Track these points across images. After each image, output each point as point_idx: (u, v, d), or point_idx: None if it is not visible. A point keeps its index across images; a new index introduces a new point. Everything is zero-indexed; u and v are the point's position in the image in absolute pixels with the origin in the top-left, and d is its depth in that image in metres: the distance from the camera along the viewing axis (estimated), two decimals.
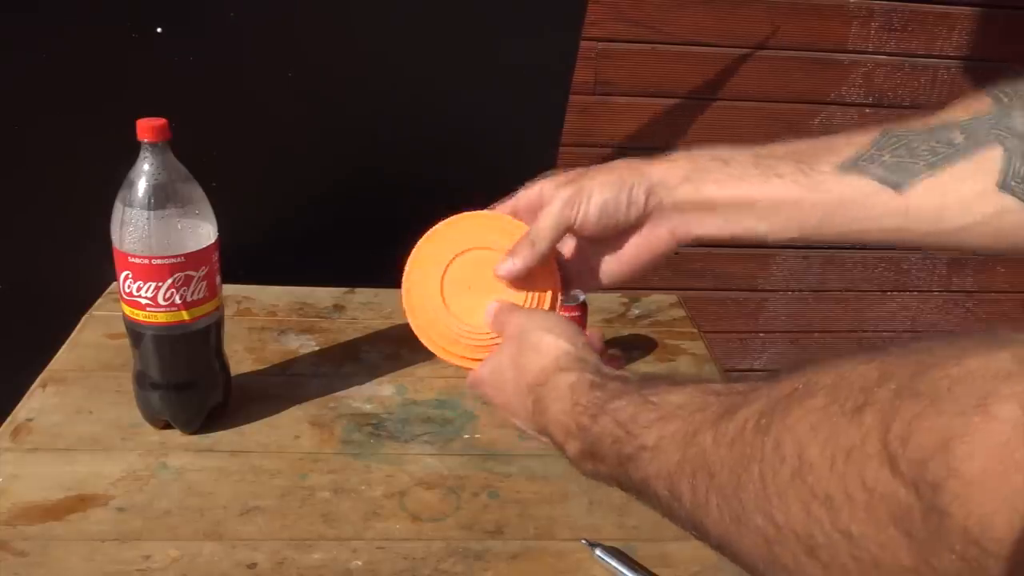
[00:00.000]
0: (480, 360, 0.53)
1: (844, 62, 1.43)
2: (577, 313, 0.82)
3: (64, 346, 0.86)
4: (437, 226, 0.55)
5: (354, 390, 0.82)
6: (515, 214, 0.55)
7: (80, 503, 0.66)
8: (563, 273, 0.55)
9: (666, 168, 0.51)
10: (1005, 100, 0.44)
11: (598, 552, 0.64)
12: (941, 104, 0.46)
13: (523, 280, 0.53)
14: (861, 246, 0.49)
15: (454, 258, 0.53)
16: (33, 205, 1.00)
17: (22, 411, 0.75)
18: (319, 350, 0.88)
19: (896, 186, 0.44)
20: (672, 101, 1.41)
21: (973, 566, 0.23)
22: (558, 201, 0.51)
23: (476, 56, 1.01)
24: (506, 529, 0.66)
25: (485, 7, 0.99)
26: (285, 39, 0.97)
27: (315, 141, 1.04)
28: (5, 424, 0.74)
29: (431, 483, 0.71)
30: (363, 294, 1.00)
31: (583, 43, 1.09)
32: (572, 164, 1.52)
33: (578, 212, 0.51)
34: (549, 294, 0.53)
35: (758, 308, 1.62)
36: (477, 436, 0.77)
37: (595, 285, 0.55)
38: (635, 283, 0.56)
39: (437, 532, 0.66)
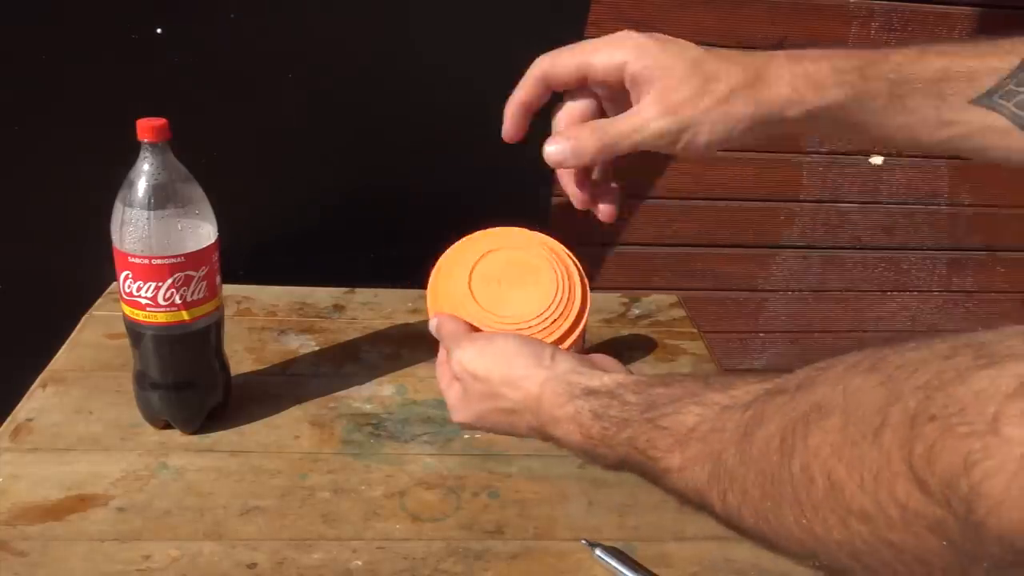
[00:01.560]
0: None
1: None
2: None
3: (64, 346, 0.86)
4: (467, 236, 0.55)
5: (354, 390, 0.82)
6: (582, 68, 0.51)
7: (80, 503, 0.66)
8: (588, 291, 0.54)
9: (787, 87, 0.48)
10: None
11: (598, 552, 0.64)
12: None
13: (552, 279, 0.51)
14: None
15: (481, 257, 0.53)
16: (33, 205, 1.00)
17: (22, 411, 0.75)
18: (319, 350, 0.88)
19: None
20: None
21: (1016, 564, 0.25)
22: (654, 128, 0.49)
23: (477, 56, 1.01)
24: (506, 529, 0.66)
25: (487, 7, 0.99)
26: (285, 39, 0.97)
27: (315, 141, 1.04)
28: (5, 424, 0.74)
29: (431, 483, 0.71)
30: (363, 294, 1.00)
31: None
32: None
33: (679, 146, 0.49)
34: (579, 295, 0.52)
35: (758, 308, 1.62)
36: (477, 436, 0.77)
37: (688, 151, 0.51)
38: (597, 321, 0.54)
39: (437, 532, 0.66)
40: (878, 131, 0.49)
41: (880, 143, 0.48)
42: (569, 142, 0.50)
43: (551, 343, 0.51)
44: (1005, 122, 0.45)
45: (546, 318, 0.51)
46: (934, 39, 0.45)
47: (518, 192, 1.07)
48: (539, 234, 0.54)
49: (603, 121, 0.51)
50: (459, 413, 0.54)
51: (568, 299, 0.52)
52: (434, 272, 0.54)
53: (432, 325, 0.54)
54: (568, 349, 0.52)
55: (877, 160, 1.52)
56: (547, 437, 0.49)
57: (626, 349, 0.93)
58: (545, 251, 0.52)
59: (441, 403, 0.81)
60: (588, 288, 0.53)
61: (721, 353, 1.55)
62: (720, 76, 0.48)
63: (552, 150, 0.51)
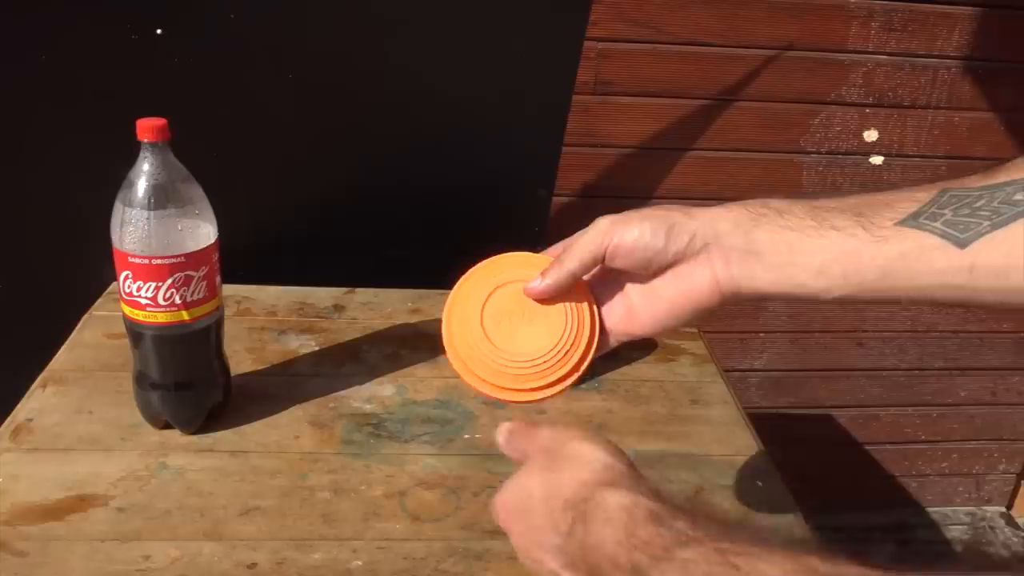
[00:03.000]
0: (525, 391, 0.52)
1: (844, 62, 1.42)
2: None
3: (64, 346, 0.86)
4: (475, 267, 0.55)
5: (354, 390, 0.82)
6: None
7: (80, 503, 0.66)
8: (600, 319, 0.53)
9: (715, 213, 0.48)
10: None
11: None
12: (998, 164, 0.45)
13: (562, 309, 0.52)
14: (922, 304, 0.47)
15: (493, 291, 0.53)
16: (33, 205, 1.00)
17: (22, 411, 0.75)
18: (319, 350, 0.88)
19: (960, 242, 0.42)
20: (673, 101, 1.41)
21: None
22: (594, 227, 0.50)
23: (479, 57, 1.01)
24: None
25: (487, 8, 0.99)
26: (285, 40, 0.97)
27: (315, 141, 1.04)
28: (5, 424, 0.74)
29: (431, 483, 0.71)
30: (363, 294, 1.00)
31: (584, 43, 1.09)
32: (573, 164, 1.52)
33: (613, 239, 0.49)
34: (588, 322, 0.52)
35: (758, 308, 1.62)
36: (477, 436, 0.77)
37: (631, 331, 0.53)
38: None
39: (437, 532, 0.66)
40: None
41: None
42: (542, 276, 0.52)
43: (564, 373, 0.52)
44: (937, 240, 0.43)
45: (559, 351, 0.52)
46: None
47: (518, 193, 1.07)
48: (543, 258, 0.53)
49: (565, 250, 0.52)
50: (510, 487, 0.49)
51: (578, 329, 0.52)
52: (446, 311, 0.54)
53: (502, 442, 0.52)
54: (580, 377, 0.52)
55: (877, 160, 1.52)
56: (578, 518, 0.42)
57: (627, 349, 0.92)
58: None
59: (441, 403, 0.82)
60: (597, 312, 0.53)
61: (721, 353, 1.55)
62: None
63: (529, 288, 0.52)
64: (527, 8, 0.99)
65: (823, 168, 1.51)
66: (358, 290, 1.00)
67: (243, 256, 0.82)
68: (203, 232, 0.69)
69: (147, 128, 0.64)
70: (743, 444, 0.79)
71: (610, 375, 0.88)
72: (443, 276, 0.59)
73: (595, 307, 0.53)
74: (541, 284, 0.51)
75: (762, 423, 0.83)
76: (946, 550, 1.83)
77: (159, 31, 0.92)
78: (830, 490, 1.67)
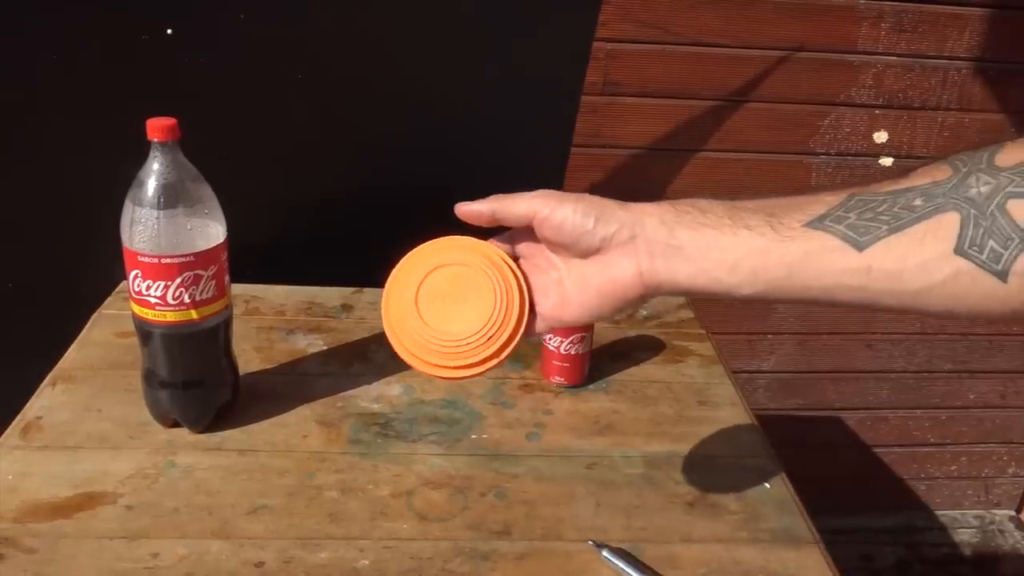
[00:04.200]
0: (450, 367, 0.54)
1: (854, 63, 1.42)
2: (585, 332, 0.83)
3: (73, 344, 0.86)
4: (421, 246, 0.56)
5: (362, 390, 0.82)
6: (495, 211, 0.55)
7: (89, 501, 0.66)
8: (531, 305, 0.55)
9: (644, 208, 0.51)
10: (963, 168, 0.45)
11: (605, 553, 0.63)
12: (906, 171, 0.47)
13: (492, 294, 0.54)
14: (828, 305, 0.49)
15: (431, 271, 0.55)
16: (44, 204, 1.01)
17: (31, 409, 0.76)
18: (327, 349, 0.89)
19: (858, 244, 0.45)
20: (681, 102, 1.41)
21: None
22: (536, 194, 0.53)
23: (487, 58, 1.01)
24: (513, 529, 0.66)
25: (497, 8, 0.99)
26: (294, 41, 0.97)
27: (324, 141, 1.04)
28: (15, 422, 0.74)
29: (438, 483, 0.71)
30: (371, 294, 1.00)
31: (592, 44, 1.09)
32: (581, 165, 1.52)
33: (544, 210, 0.52)
34: (517, 307, 0.54)
35: (766, 310, 1.61)
36: (484, 436, 0.77)
37: (562, 317, 0.55)
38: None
39: (444, 532, 0.66)
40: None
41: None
42: (479, 201, 0.54)
43: (489, 355, 0.54)
44: (838, 241, 0.45)
45: (484, 334, 0.54)
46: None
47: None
48: (486, 244, 0.56)
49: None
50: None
51: (506, 313, 0.54)
52: (387, 286, 0.56)
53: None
54: (504, 360, 0.54)
55: (887, 161, 1.51)
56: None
57: (634, 350, 0.93)
58: (486, 264, 0.54)
59: (448, 403, 0.82)
60: (528, 299, 0.55)
61: (729, 354, 1.55)
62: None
63: (461, 206, 0.55)
64: (537, 9, 0.99)
65: (832, 170, 1.50)
66: (366, 290, 1.01)
67: (252, 255, 0.82)
68: (212, 231, 0.69)
69: (157, 128, 0.64)
70: (751, 446, 0.79)
71: (618, 376, 0.88)
72: None
73: (526, 294, 0.54)
74: (472, 204, 0.54)
75: (770, 425, 0.83)
76: (954, 554, 1.82)
77: (169, 31, 0.93)
78: (838, 492, 1.66)
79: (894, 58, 1.42)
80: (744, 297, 0.49)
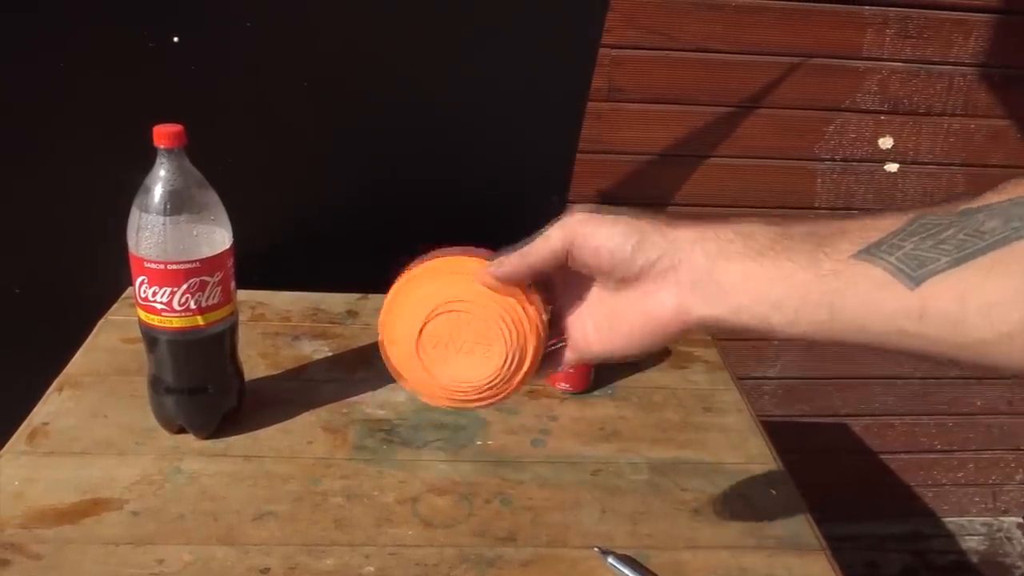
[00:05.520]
0: (455, 402, 0.51)
1: (859, 69, 1.42)
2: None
3: (80, 350, 0.86)
4: (414, 271, 0.51)
5: (367, 396, 0.82)
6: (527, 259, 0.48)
7: (94, 507, 0.66)
8: (542, 351, 0.50)
9: (681, 235, 0.45)
10: None
11: (610, 560, 0.63)
12: (993, 185, 0.37)
13: (503, 344, 0.49)
14: (895, 353, 0.40)
15: (430, 317, 0.49)
16: (50, 210, 1.01)
17: (38, 415, 0.76)
18: (332, 355, 0.89)
19: (911, 279, 0.36)
20: (686, 108, 1.41)
21: None
22: (560, 225, 0.46)
23: (493, 64, 1.01)
24: (518, 536, 0.66)
25: (502, 14, 0.99)
26: (300, 48, 0.97)
27: (330, 148, 1.05)
28: (21, 428, 0.74)
29: (443, 489, 0.71)
30: (376, 300, 1.00)
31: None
32: (586, 171, 1.51)
33: (581, 232, 0.45)
34: (531, 352, 0.49)
35: None
36: (489, 443, 0.77)
37: (586, 351, 0.50)
38: (630, 360, 0.50)
39: (449, 538, 0.66)
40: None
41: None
42: (498, 264, 0.48)
43: (491, 400, 0.51)
44: (887, 276, 0.37)
45: (491, 383, 0.50)
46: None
47: (532, 200, 1.07)
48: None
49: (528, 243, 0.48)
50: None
51: (516, 367, 0.49)
52: (383, 315, 0.51)
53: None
54: (506, 397, 0.51)
55: (892, 167, 1.51)
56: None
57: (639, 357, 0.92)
58: (495, 307, 0.48)
59: (453, 409, 0.81)
60: (543, 339, 0.50)
61: (735, 360, 1.55)
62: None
63: (482, 275, 0.48)
64: (543, 14, 0.99)
65: (837, 175, 1.50)
66: (371, 296, 1.01)
67: (257, 261, 0.82)
68: (218, 238, 0.69)
69: (164, 134, 0.65)
70: (756, 452, 0.79)
71: (623, 382, 0.88)
72: None
73: (542, 337, 0.50)
74: (496, 271, 0.47)
75: (776, 431, 0.82)
76: (962, 561, 1.81)
77: (176, 39, 0.93)
78: (844, 499, 1.66)
79: (899, 64, 1.42)
80: (796, 337, 0.42)
